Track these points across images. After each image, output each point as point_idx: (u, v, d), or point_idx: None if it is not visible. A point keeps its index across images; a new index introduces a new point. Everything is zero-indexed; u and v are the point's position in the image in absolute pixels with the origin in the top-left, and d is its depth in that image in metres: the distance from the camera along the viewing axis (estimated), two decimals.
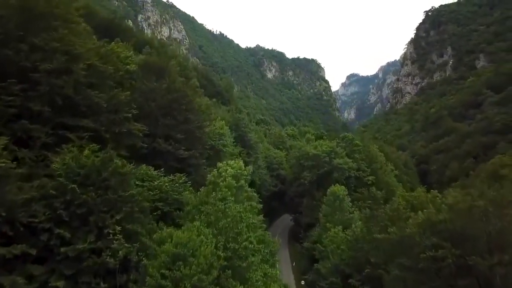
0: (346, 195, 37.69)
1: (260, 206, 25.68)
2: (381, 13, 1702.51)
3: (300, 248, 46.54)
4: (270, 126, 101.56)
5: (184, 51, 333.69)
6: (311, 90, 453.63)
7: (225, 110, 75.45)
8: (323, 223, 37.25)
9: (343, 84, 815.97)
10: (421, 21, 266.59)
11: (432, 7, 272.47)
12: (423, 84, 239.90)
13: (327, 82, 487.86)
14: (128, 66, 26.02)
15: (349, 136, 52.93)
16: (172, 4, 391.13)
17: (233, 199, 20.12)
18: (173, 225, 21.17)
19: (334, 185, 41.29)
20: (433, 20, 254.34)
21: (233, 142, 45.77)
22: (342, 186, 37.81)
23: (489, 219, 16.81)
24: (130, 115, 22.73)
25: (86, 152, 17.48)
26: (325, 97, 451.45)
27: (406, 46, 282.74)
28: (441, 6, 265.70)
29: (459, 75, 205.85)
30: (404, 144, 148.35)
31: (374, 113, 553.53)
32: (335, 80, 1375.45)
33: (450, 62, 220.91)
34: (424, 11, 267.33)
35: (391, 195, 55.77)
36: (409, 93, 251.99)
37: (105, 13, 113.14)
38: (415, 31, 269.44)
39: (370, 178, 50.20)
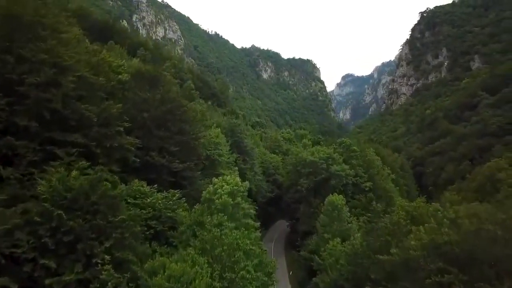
0: (345, 204, 36.98)
1: (258, 224, 24.82)
2: (376, 13, 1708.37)
3: (297, 256, 45.78)
4: (266, 128, 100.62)
5: (179, 51, 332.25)
6: (307, 91, 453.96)
7: (221, 114, 74.53)
8: (320, 233, 36.52)
9: (338, 85, 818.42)
10: (416, 22, 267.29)
11: (427, 8, 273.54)
12: (418, 85, 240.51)
13: (322, 82, 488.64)
14: (120, 76, 25.05)
15: (346, 141, 52.33)
16: (167, 4, 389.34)
17: (229, 224, 19.21)
18: (167, 245, 20.26)
19: (332, 194, 40.53)
20: (428, 21, 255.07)
21: (229, 149, 44.93)
22: (340, 196, 37.13)
23: (498, 243, 16.11)
24: (122, 128, 21.78)
25: (74, 173, 16.50)
26: (320, 98, 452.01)
27: (402, 47, 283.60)
28: (436, 7, 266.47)
29: (454, 76, 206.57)
30: (400, 146, 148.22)
31: (369, 113, 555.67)
32: (330, 80, 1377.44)
33: (445, 63, 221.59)
34: (419, 12, 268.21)
35: (388, 201, 55.55)
36: (404, 94, 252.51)
37: (99, 15, 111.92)
38: (410, 32, 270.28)
39: (368, 184, 49.60)
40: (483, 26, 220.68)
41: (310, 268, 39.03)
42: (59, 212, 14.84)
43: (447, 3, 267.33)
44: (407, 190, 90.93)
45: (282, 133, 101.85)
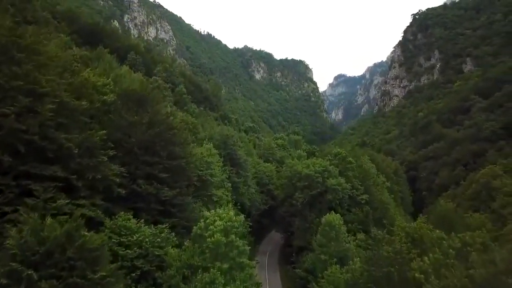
0: (342, 224, 35.70)
1: (254, 263, 23.32)
2: (368, 13, 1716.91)
3: (292, 273, 44.46)
4: (259, 133, 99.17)
5: (171, 52, 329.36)
6: (299, 92, 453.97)
7: (213, 120, 72.72)
8: (317, 254, 35.21)
9: (330, 85, 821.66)
10: (408, 24, 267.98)
11: (419, 10, 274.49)
12: (410, 87, 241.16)
13: (315, 83, 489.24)
14: (105, 97, 23.35)
15: (342, 152, 51.10)
16: (159, 4, 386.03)
17: (223, 281, 17.66)
18: (154, 286, 18.68)
19: (329, 208, 39.28)
20: (421, 23, 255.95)
21: (222, 164, 43.46)
22: (338, 215, 35.85)
23: None
24: (106, 157, 20.11)
25: (48, 220, 14.79)
26: (313, 99, 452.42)
27: (394, 48, 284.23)
28: (428, 9, 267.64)
29: (447, 78, 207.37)
30: (393, 150, 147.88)
31: (362, 114, 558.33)
32: (323, 80, 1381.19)
33: (438, 66, 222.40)
34: (412, 14, 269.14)
35: (385, 213, 54.64)
36: (396, 96, 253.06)
37: (89, 16, 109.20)
38: (402, 34, 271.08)
39: (364, 197, 48.47)
40: (474, 29, 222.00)
41: (305, 287, 37.79)
42: (29, 272, 13.15)
43: (439, 4, 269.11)
44: (402, 196, 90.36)
45: (276, 139, 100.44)
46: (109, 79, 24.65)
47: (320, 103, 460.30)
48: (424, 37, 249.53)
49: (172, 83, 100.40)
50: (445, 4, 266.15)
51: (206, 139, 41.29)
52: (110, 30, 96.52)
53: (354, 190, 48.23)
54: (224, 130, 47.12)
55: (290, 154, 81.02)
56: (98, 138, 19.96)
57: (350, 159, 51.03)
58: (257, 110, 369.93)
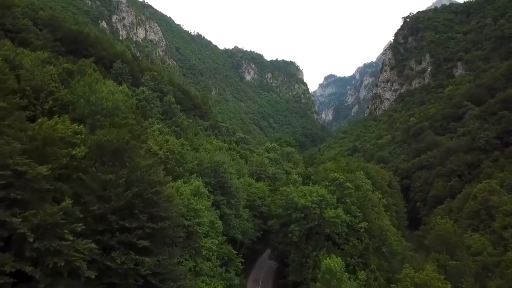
0: (345, 272, 32.77)
1: None
2: (358, 14, 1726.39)
3: None
4: (251, 144, 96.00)
5: (161, 53, 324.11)
6: (290, 93, 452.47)
7: (203, 137, 69.22)
8: None
9: (320, 85, 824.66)
10: (399, 27, 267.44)
11: (410, 13, 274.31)
12: (402, 90, 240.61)
13: (305, 84, 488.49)
14: (74, 151, 19.89)
15: (339, 178, 48.22)
16: (148, 4, 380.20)
17: None
18: None
19: (327, 242, 36.31)
20: (412, 26, 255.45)
21: (212, 194, 40.26)
22: (338, 259, 32.95)
23: None
24: (71, 236, 16.75)
25: None
26: (303, 100, 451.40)
27: (385, 51, 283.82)
28: (418, 12, 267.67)
29: (438, 83, 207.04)
30: (386, 157, 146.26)
31: (352, 114, 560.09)
32: (313, 80, 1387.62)
33: (429, 70, 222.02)
34: (402, 17, 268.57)
35: (384, 240, 52.09)
36: (388, 99, 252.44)
37: (74, 22, 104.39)
38: (393, 37, 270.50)
39: (363, 225, 45.74)
40: (465, 33, 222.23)
41: None
42: None
43: (428, 6, 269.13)
44: (397, 210, 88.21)
45: (268, 150, 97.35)
46: (81, 126, 21.12)
47: (311, 105, 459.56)
48: (415, 40, 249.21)
49: (161, 91, 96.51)
50: (435, 7, 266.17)
51: (195, 172, 38.00)
52: (95, 37, 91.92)
53: (353, 218, 45.46)
54: (214, 156, 43.78)
55: (284, 171, 78.07)
56: (62, 213, 16.61)
57: (348, 184, 48.22)
58: (248, 112, 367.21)
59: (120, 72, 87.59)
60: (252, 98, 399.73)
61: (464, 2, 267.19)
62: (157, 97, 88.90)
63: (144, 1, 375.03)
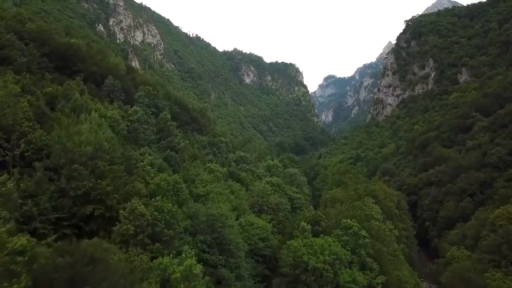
0: None
1: None
2: (358, 14, 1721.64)
3: None
4: (251, 163, 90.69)
5: (159, 56, 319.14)
6: (290, 96, 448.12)
7: (200, 167, 63.69)
8: None
9: (320, 86, 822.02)
10: (401, 30, 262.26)
11: (412, 16, 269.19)
12: (404, 96, 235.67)
13: (305, 87, 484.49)
14: None
15: (354, 227, 42.86)
16: (146, 6, 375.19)
17: None
18: None
19: None
20: (414, 30, 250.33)
21: (208, 250, 35.10)
22: None
23: None
24: None
25: None
26: (303, 103, 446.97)
27: (387, 55, 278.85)
28: (421, 16, 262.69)
29: (442, 89, 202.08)
30: (391, 169, 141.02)
31: (352, 116, 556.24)
32: (312, 81, 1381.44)
33: (432, 75, 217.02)
34: (404, 21, 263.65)
35: None
36: (390, 104, 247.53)
37: (66, 32, 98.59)
38: (395, 41, 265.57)
39: (380, 280, 40.60)
40: (469, 37, 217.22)
41: None
42: None
43: (427, 6, 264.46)
44: (407, 235, 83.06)
45: (269, 170, 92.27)
46: (27, 236, 15.76)
47: (311, 107, 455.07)
48: (417, 44, 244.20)
49: (156, 106, 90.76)
50: (438, 10, 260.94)
51: (187, 230, 32.74)
52: (86, 51, 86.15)
53: (369, 272, 40.26)
54: (211, 208, 38.46)
55: (288, 197, 72.83)
56: None
57: (363, 232, 42.92)
58: (248, 115, 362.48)
59: (112, 89, 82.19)
60: (252, 101, 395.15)
61: (467, 5, 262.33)
62: (152, 114, 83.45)
63: (142, 3, 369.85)
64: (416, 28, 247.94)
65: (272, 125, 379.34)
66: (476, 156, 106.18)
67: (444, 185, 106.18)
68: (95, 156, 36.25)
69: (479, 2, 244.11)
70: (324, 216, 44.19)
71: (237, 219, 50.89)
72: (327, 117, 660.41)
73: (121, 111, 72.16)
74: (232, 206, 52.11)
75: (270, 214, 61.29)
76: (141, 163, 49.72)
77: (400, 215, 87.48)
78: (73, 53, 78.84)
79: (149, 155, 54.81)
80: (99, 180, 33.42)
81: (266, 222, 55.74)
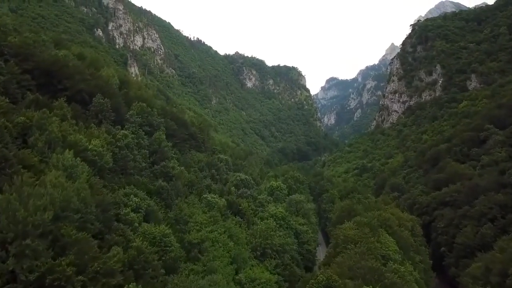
0: None
1: None
2: (360, 15, 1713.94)
3: None
4: (252, 187, 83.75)
5: (159, 61, 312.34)
6: (292, 100, 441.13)
7: (198, 207, 56.92)
8: None
9: (322, 88, 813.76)
10: (407, 35, 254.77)
11: (418, 20, 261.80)
12: (411, 102, 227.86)
13: (308, 90, 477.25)
14: None
15: None
16: (146, 10, 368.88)
17: None
18: None
19: None
20: (420, 34, 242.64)
21: None
22: None
23: None
24: None
25: None
26: (306, 107, 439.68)
27: (392, 60, 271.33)
28: (427, 20, 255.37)
29: (450, 96, 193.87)
30: (400, 185, 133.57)
31: (355, 119, 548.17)
32: (315, 83, 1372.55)
33: (440, 82, 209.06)
34: (410, 25, 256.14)
35: None
36: (396, 111, 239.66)
37: (48, 46, 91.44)
38: (401, 46, 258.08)
39: None
40: (478, 42, 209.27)
41: None
42: None
43: (430, 7, 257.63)
44: (424, 268, 75.81)
45: (272, 193, 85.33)
46: None
47: (314, 111, 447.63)
48: (424, 49, 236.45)
49: (150, 124, 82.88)
50: (445, 14, 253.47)
51: None
52: (73, 66, 78.88)
53: None
54: (208, 280, 31.71)
55: (293, 231, 65.96)
56: None
57: None
58: (249, 121, 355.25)
59: (101, 109, 74.65)
60: (254, 105, 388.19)
61: (475, 8, 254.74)
62: (145, 134, 76.12)
63: (142, 7, 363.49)
64: (422, 33, 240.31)
65: (274, 130, 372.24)
66: (494, 175, 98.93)
67: (460, 207, 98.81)
68: (60, 217, 29.44)
69: (487, 6, 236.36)
70: (339, 280, 37.25)
71: (236, 273, 44.05)
72: (329, 120, 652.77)
73: (108, 137, 64.54)
74: (230, 256, 45.28)
75: (274, 259, 54.45)
76: (124, 210, 42.81)
77: (416, 246, 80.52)
78: (58, 69, 71.51)
79: (135, 196, 47.68)
80: (58, 259, 26.50)
81: (270, 271, 48.91)
